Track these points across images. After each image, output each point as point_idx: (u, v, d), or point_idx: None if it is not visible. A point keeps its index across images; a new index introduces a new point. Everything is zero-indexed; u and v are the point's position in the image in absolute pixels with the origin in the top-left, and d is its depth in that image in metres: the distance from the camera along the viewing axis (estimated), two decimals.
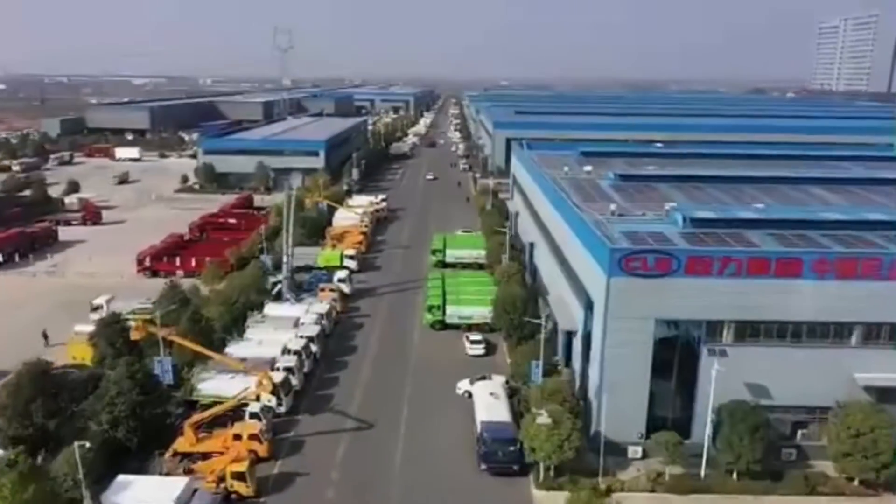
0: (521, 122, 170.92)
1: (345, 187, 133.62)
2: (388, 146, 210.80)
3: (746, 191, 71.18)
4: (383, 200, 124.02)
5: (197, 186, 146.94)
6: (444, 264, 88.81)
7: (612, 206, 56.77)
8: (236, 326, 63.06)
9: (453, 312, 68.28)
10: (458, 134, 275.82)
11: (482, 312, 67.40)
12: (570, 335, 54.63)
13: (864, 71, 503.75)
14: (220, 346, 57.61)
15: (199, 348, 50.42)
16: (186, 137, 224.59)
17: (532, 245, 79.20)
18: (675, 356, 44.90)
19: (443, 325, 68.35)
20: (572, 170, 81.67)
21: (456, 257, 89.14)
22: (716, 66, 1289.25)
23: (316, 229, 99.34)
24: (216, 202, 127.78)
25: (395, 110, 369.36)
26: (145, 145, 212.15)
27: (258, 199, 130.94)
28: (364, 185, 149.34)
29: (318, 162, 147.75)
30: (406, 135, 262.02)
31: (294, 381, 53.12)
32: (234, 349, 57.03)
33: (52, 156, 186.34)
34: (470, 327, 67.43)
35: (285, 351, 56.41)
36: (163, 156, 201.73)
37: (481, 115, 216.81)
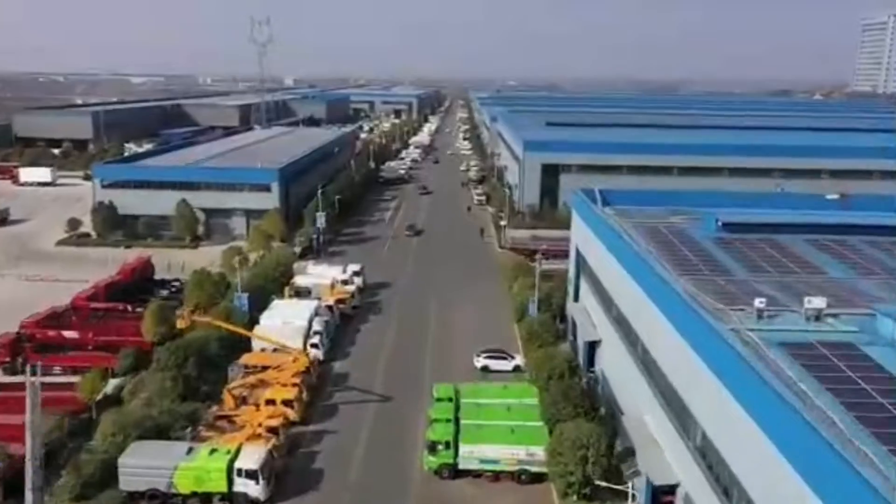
0: (558, 140, 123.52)
1: (296, 248, 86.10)
2: (379, 166, 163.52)
3: None
4: (356, 274, 77.01)
5: (93, 235, 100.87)
6: (455, 472, 42.30)
7: None
8: None
9: None
10: (467, 143, 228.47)
11: None
12: None
13: None
14: None
15: None
16: (133, 149, 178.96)
17: (660, 449, 32.22)
18: None
19: None
20: (752, 305, 34.62)
21: (481, 461, 42.16)
22: (739, 65, 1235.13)
23: (212, 370, 52.23)
24: (114, 265, 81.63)
25: (397, 114, 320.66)
26: (68, 164, 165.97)
27: (165, 265, 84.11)
28: (335, 236, 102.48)
29: (271, 200, 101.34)
30: (407, 146, 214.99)
31: None
32: None
33: None
34: None
35: None
36: (88, 177, 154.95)
37: (499, 124, 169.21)
